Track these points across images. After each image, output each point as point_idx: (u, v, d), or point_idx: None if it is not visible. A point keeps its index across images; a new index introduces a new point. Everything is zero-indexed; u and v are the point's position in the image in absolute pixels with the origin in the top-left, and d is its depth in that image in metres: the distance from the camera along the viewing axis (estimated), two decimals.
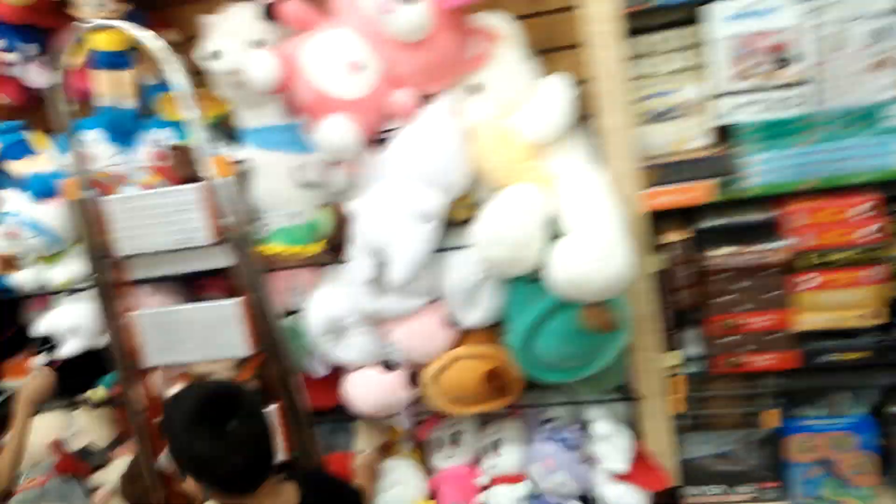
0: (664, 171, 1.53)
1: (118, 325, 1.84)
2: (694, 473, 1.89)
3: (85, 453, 2.18)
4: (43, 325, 1.97)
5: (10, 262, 1.93)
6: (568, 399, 1.97)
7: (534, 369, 1.68)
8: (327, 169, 1.78)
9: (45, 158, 1.90)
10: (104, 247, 1.79)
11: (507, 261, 1.46)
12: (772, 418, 1.75)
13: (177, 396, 1.39)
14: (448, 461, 2.09)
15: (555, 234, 1.50)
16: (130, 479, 2.03)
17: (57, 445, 2.16)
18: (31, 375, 1.98)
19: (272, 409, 1.84)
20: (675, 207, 1.56)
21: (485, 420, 2.13)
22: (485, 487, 2.03)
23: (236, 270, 1.75)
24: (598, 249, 1.36)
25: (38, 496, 2.14)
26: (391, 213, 1.56)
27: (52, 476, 2.19)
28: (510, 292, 1.69)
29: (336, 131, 1.49)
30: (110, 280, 1.82)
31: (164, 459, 1.42)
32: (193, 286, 2.04)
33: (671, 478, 1.83)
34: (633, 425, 1.90)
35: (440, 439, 2.11)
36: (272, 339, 1.80)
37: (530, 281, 1.64)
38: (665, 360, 1.73)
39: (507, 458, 1.98)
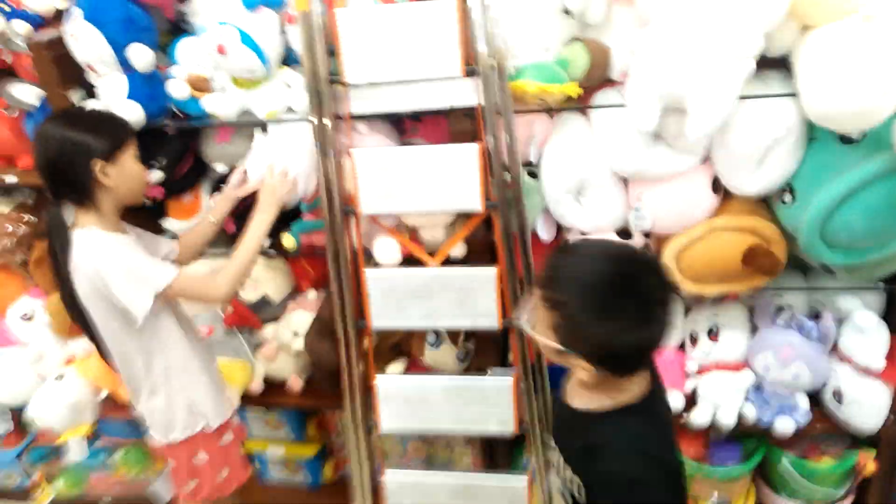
0: None
1: (334, 164, 1.64)
2: None
3: (259, 306, 2.04)
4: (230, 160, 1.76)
5: (202, 85, 1.70)
6: (809, 285, 1.79)
7: (818, 247, 1.47)
8: None
9: None
10: (329, 72, 1.56)
11: (854, 113, 1.22)
12: None
13: (587, 255, 1.06)
14: None
15: None
16: (320, 334, 1.89)
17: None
18: (276, 179, 1.69)
19: (489, 272, 1.67)
20: None
21: (690, 304, 1.97)
22: (691, 374, 1.89)
23: (483, 109, 1.52)
24: None
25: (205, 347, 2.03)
26: (697, 54, 1.31)
27: (219, 327, 2.08)
28: (814, 156, 1.46)
29: None
30: (331, 111, 1.59)
31: (526, 321, 1.11)
32: (399, 129, 1.82)
33: None
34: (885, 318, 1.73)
35: None
36: (506, 195, 1.60)
37: (843, 143, 1.41)
38: None
39: (728, 344, 1.82)
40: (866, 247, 1.47)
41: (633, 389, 1.11)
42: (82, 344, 2.21)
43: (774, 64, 1.50)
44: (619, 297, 0.99)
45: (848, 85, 1.21)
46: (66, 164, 1.48)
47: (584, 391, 1.15)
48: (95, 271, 1.47)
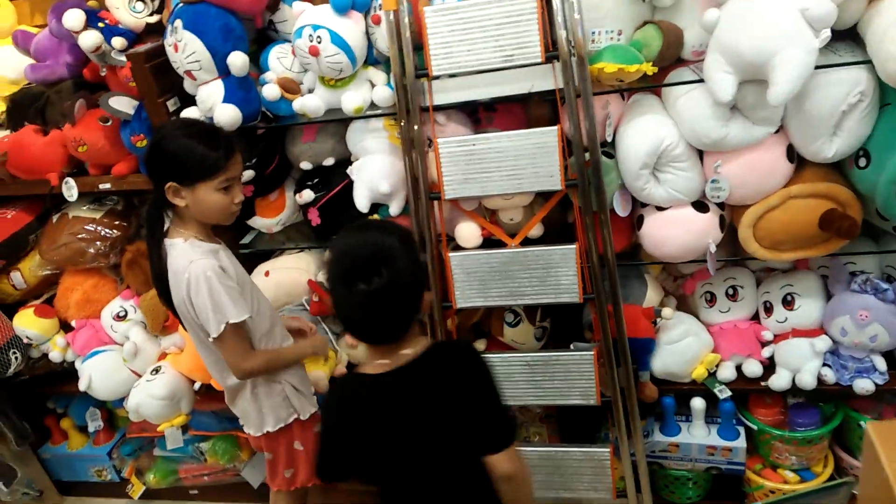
0: None
1: (420, 154, 1.73)
2: None
3: None
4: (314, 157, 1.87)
5: (292, 86, 1.81)
6: (879, 249, 1.83)
7: (894, 207, 1.53)
8: None
9: None
10: (415, 67, 1.66)
11: None
12: None
13: (340, 238, 1.29)
14: (723, 315, 1.99)
15: None
16: None
17: (315, 286, 2.12)
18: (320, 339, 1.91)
19: (568, 250, 1.75)
20: None
21: (760, 276, 2.02)
22: (766, 342, 1.95)
23: (563, 93, 1.61)
24: None
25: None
26: (775, 21, 1.37)
27: (304, 316, 2.18)
28: (888, 120, 1.51)
29: None
30: (417, 104, 1.69)
31: None
32: (474, 120, 1.90)
33: None
34: None
35: (711, 294, 2.01)
36: (585, 173, 1.67)
37: None
38: None
39: (804, 311, 1.87)
40: None
41: (369, 366, 1.30)
42: (174, 339, 2.34)
43: (841, 36, 1.57)
44: (338, 273, 1.22)
45: None
46: (152, 172, 1.56)
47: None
48: (186, 288, 1.54)
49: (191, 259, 1.55)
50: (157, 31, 1.97)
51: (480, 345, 2.10)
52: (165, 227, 1.62)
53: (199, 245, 1.59)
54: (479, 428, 1.26)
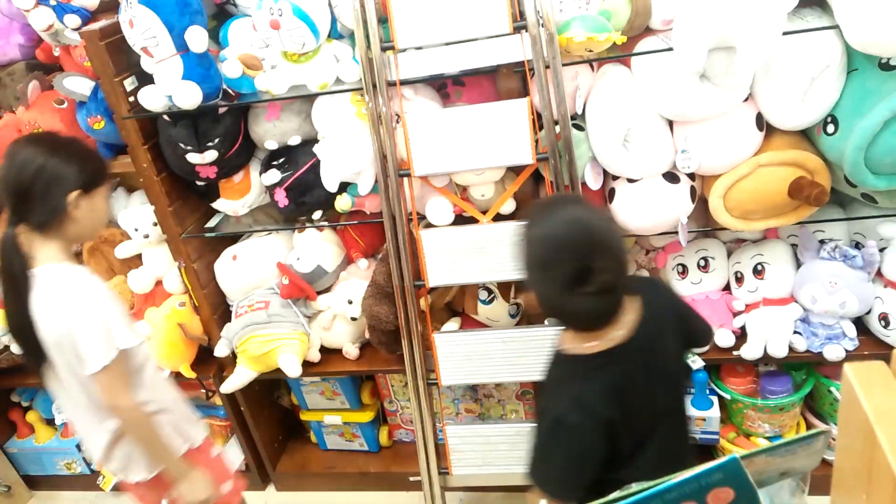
0: None
1: (387, 130, 1.70)
2: None
3: (312, 277, 2.10)
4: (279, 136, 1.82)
5: (254, 63, 1.75)
6: (847, 216, 1.84)
7: (863, 174, 1.53)
8: None
9: None
10: (381, 40, 1.62)
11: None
12: None
13: (544, 224, 1.18)
14: (695, 287, 2.00)
15: None
16: (376, 298, 1.96)
17: (285, 269, 2.08)
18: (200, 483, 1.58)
19: None
20: None
21: (731, 247, 2.03)
22: (738, 312, 1.96)
23: (532, 64, 1.58)
24: None
25: (266, 320, 2.10)
26: None
27: (275, 300, 2.14)
28: (855, 86, 1.51)
29: None
30: (383, 78, 1.65)
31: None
32: (442, 95, 1.87)
33: None
34: None
35: (682, 266, 2.01)
36: (556, 146, 1.66)
37: (884, 70, 1.47)
38: None
39: (775, 280, 1.88)
40: None
41: (592, 345, 1.23)
42: (143, 327, 2.28)
43: (808, 2, 1.56)
44: (552, 263, 1.15)
45: (889, 9, 1.26)
46: (41, 189, 1.38)
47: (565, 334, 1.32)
48: (70, 315, 1.39)
49: (76, 281, 1.42)
50: (112, 8, 1.90)
51: (454, 324, 2.08)
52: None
53: (77, 267, 1.44)
54: (702, 333, 1.47)
